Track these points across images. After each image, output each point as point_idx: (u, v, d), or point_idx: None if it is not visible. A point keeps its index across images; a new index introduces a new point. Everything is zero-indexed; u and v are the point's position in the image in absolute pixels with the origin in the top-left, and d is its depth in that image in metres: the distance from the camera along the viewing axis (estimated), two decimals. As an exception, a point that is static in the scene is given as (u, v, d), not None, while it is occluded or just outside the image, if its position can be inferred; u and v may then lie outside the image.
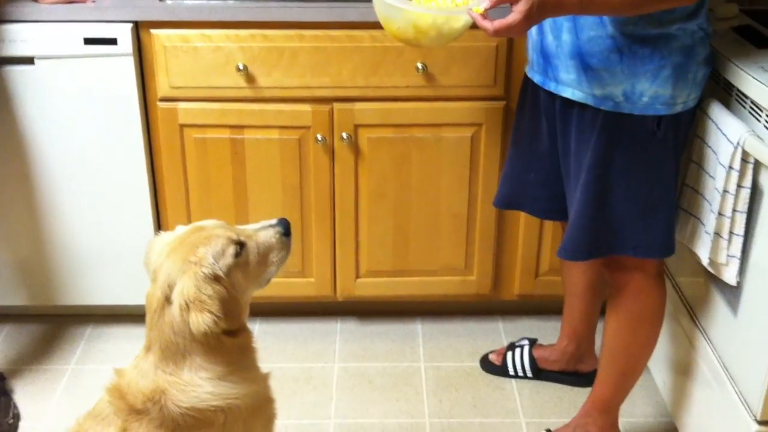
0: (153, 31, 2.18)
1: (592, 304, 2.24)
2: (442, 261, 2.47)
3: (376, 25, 2.16)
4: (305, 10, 2.17)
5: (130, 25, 2.15)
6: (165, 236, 1.56)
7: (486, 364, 2.43)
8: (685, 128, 1.79)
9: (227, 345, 1.49)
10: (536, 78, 1.87)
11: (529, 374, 2.37)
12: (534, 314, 2.64)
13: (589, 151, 1.76)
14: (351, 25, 2.18)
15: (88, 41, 2.15)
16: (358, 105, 2.27)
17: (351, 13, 2.17)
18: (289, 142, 2.31)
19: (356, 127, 2.29)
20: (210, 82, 2.22)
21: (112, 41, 2.15)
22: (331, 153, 2.32)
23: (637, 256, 1.83)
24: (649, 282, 1.90)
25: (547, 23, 1.76)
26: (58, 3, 2.15)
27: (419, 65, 2.21)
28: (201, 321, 1.41)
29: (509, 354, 2.40)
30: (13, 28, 2.14)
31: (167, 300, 1.45)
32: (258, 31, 2.19)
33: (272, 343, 2.53)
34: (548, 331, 2.54)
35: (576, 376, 2.33)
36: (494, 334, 2.58)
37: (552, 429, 2.13)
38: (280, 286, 2.47)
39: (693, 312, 2.06)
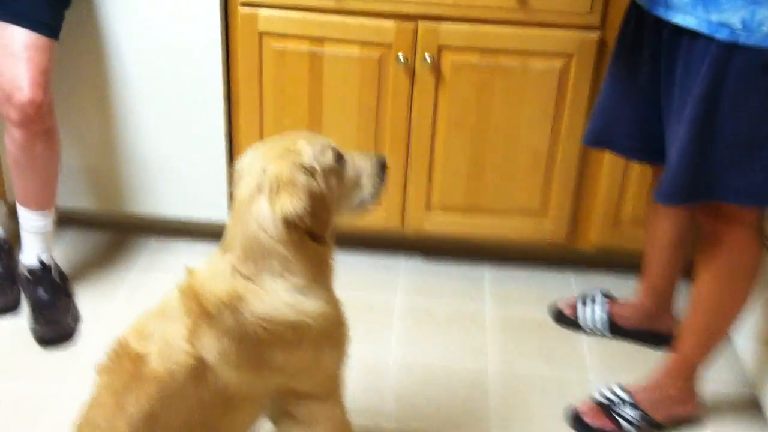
0: (239, -71, 2.12)
1: (676, 261, 2.09)
2: (517, 200, 2.36)
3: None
4: None
5: None
6: (261, 143, 1.48)
7: (556, 314, 2.31)
8: None
9: (309, 251, 1.40)
10: (644, 2, 1.73)
11: (601, 329, 2.24)
12: (609, 269, 2.50)
13: (696, 85, 1.62)
14: (444, -64, 2.09)
15: (173, -63, 2.11)
16: (444, 25, 2.17)
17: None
18: (369, 60, 2.22)
19: (440, 48, 2.19)
20: (293, -12, 2.16)
21: (197, -62, 2.10)
22: (412, 74, 2.23)
23: (738, 202, 1.69)
24: (747, 235, 1.76)
25: None
26: None
27: (512, -16, 2.09)
28: (289, 204, 1.34)
29: (581, 306, 2.28)
30: None
31: (259, 189, 1.37)
32: (347, -62, 2.11)
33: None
34: (623, 290, 2.37)
35: (651, 335, 2.19)
36: (565, 286, 2.44)
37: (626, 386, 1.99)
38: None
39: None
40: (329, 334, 1.47)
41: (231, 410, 1.40)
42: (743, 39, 1.55)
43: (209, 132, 2.35)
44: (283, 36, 2.22)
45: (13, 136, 2.03)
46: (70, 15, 2.14)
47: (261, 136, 2.33)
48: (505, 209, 2.37)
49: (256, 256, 1.38)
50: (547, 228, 2.38)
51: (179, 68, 2.28)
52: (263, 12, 2.19)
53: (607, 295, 2.30)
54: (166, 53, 2.26)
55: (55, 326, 2.13)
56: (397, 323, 2.27)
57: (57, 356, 2.10)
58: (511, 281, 2.47)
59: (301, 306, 1.40)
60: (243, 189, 1.40)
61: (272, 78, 2.26)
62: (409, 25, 2.17)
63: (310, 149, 1.41)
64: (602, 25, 2.14)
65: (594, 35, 2.15)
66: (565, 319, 2.29)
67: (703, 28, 1.58)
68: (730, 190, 1.67)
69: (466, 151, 2.30)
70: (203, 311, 1.37)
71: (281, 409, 1.50)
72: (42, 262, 2.19)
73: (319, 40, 2.21)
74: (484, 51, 2.19)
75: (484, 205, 2.37)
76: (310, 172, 1.40)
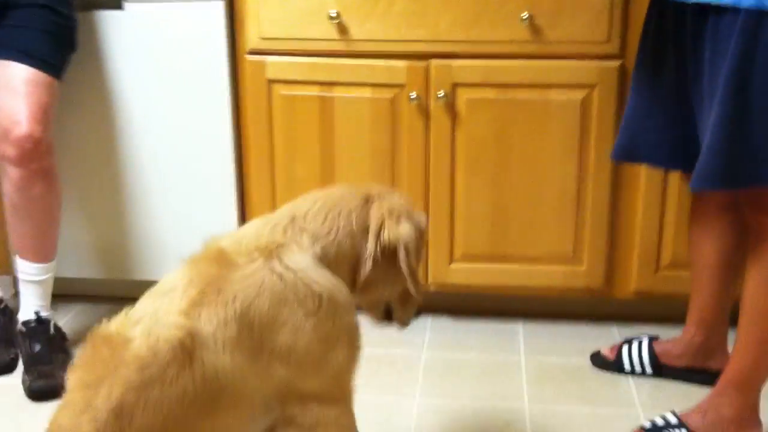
0: (245, -25, 2.11)
1: (725, 285, 1.90)
2: (547, 246, 2.20)
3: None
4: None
5: (222, -34, 2.09)
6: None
7: (597, 360, 2.10)
8: None
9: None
10: None
11: (649, 371, 2.03)
12: (655, 320, 2.28)
13: (726, 61, 1.51)
14: (451, -31, 2.05)
15: (179, -16, 2.10)
16: (457, 62, 2.09)
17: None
18: (381, 101, 2.14)
19: (454, 86, 2.11)
20: (301, 32, 2.11)
21: (203, -16, 2.09)
22: (426, 115, 2.14)
23: None
24: None
25: None
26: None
27: (524, 15, 2.02)
28: (402, 232, 1.38)
29: (625, 347, 2.07)
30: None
31: (368, 199, 1.41)
32: (353, -23, 2.08)
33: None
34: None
35: (704, 374, 1.96)
36: (607, 338, 2.23)
37: (677, 412, 1.77)
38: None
39: None
40: (343, 328, 1.33)
41: (216, 412, 1.22)
42: None
43: (219, 186, 2.26)
44: (292, 82, 2.16)
45: (11, 176, 1.95)
46: (75, 67, 2.11)
47: (272, 187, 2.24)
48: (534, 256, 2.21)
49: (327, 237, 1.36)
50: (581, 274, 2.21)
51: (187, 120, 2.22)
52: (270, 59, 2.15)
53: (651, 336, 2.09)
54: (174, 104, 2.21)
55: (48, 380, 1.96)
56: (422, 375, 2.08)
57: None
58: (547, 335, 2.27)
59: (333, 283, 1.32)
60: (351, 189, 1.42)
61: (282, 125, 2.19)
62: (420, 64, 2.10)
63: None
64: (622, 53, 2.05)
65: (614, 64, 2.06)
66: (606, 362, 2.09)
67: (727, 0, 1.48)
68: None
69: (487, 193, 2.18)
70: (225, 265, 1.26)
71: (281, 419, 1.31)
72: (39, 316, 2.06)
73: (329, 84, 2.14)
74: (500, 86, 2.10)
75: (512, 253, 2.21)
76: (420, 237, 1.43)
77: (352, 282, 1.40)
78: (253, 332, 1.23)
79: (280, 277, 1.27)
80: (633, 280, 2.20)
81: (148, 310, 1.24)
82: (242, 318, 1.22)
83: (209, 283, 1.24)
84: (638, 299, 2.24)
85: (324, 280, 1.31)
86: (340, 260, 1.37)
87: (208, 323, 1.21)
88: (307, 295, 1.28)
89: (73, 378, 1.22)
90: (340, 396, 1.36)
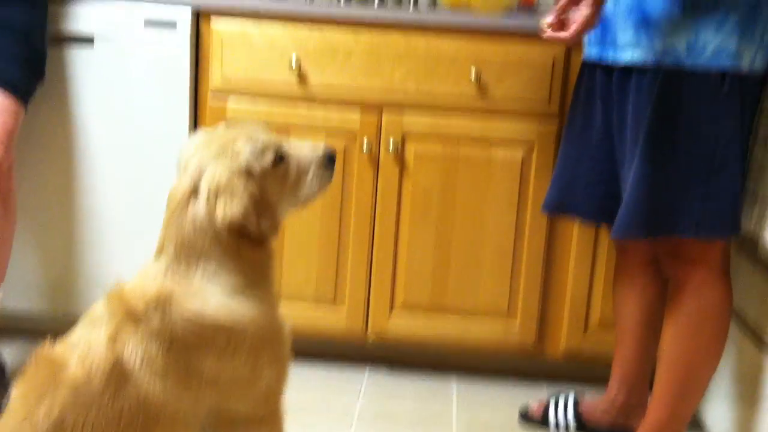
0: (213, 18, 2.20)
1: (647, 344, 1.94)
2: (484, 299, 2.25)
3: (434, 29, 2.15)
4: (365, 10, 2.20)
5: (190, 8, 2.18)
6: (202, 133, 1.45)
7: (525, 415, 2.12)
8: (751, 93, 1.63)
9: (246, 255, 1.34)
10: (593, 52, 1.78)
11: (573, 428, 2.03)
12: (584, 381, 2.31)
13: (647, 115, 1.61)
14: (408, 27, 2.16)
15: (149, 23, 2.19)
16: (408, 114, 2.19)
17: (409, 15, 2.17)
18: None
19: (404, 136, 2.20)
20: (262, 76, 2.21)
21: (172, 25, 2.19)
22: (376, 165, 2.22)
23: (700, 234, 1.62)
24: (714, 277, 1.66)
25: None
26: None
27: (473, 70, 2.13)
28: (228, 210, 1.30)
29: (552, 404, 2.09)
30: (76, 7, 2.20)
31: (194, 191, 1.33)
32: (315, 27, 2.18)
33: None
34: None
35: (626, 432, 1.98)
36: (537, 397, 2.24)
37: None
38: (310, 317, 2.27)
39: (761, 339, 1.74)
40: (268, 341, 1.34)
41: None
42: (690, 63, 1.56)
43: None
44: (249, 124, 2.24)
45: None
46: (41, 101, 2.18)
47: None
48: (471, 309, 2.26)
49: (190, 257, 1.33)
50: (515, 330, 2.26)
51: (147, 157, 2.27)
52: (231, 101, 2.23)
53: (578, 394, 2.12)
54: (135, 140, 2.27)
55: None
56: (356, 421, 2.08)
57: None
58: (480, 390, 2.30)
59: (234, 308, 1.31)
60: (178, 188, 1.35)
61: (236, 166, 2.25)
62: (373, 115, 2.20)
63: (249, 150, 1.35)
64: (561, 115, 2.17)
65: (553, 125, 2.17)
66: (533, 418, 2.11)
67: (649, 60, 1.59)
68: (691, 222, 1.61)
69: (430, 245, 2.24)
70: (129, 312, 1.27)
71: None
72: None
73: (285, 129, 2.23)
74: (446, 139, 2.19)
75: (450, 305, 2.26)
76: (248, 175, 1.34)
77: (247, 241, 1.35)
78: (179, 363, 1.26)
79: (187, 330, 1.27)
80: (563, 338, 2.25)
81: (83, 337, 1.28)
82: (167, 354, 1.25)
83: (122, 320, 1.27)
84: (568, 359, 2.28)
85: (225, 311, 1.30)
86: (232, 261, 1.34)
87: (135, 352, 1.24)
88: (215, 334, 1.29)
89: (16, 391, 1.25)
90: (269, 416, 1.38)
